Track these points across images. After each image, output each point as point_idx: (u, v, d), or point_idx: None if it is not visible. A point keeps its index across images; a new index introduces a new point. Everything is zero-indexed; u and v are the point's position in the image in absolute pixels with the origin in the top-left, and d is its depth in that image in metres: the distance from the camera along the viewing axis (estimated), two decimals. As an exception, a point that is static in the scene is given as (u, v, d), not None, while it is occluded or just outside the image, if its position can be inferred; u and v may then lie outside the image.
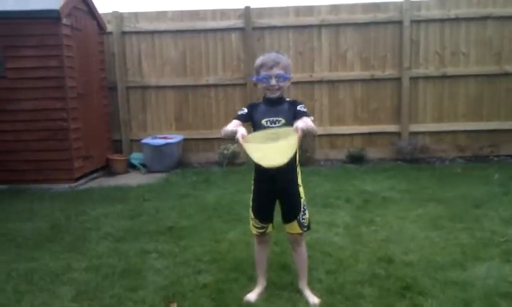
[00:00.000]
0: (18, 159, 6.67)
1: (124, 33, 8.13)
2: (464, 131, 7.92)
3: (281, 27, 7.95)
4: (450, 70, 7.82)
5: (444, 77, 7.84)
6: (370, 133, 8.04)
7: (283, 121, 2.91)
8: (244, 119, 3.00)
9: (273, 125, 2.91)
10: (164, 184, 6.70)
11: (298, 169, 3.05)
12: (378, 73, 7.93)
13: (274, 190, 3.00)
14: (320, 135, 8.06)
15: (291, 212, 3.01)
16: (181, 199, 5.76)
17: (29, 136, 6.64)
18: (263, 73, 2.97)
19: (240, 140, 2.67)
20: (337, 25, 7.92)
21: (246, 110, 3.05)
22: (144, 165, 7.79)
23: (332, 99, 8.05)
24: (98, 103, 7.65)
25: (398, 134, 7.97)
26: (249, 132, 2.81)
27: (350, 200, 5.39)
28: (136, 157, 7.96)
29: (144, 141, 7.72)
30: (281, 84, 2.96)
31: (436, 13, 7.73)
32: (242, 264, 3.58)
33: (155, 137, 7.87)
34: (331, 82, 8.00)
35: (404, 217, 4.72)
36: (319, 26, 7.94)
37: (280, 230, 3.37)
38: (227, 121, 8.78)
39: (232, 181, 6.55)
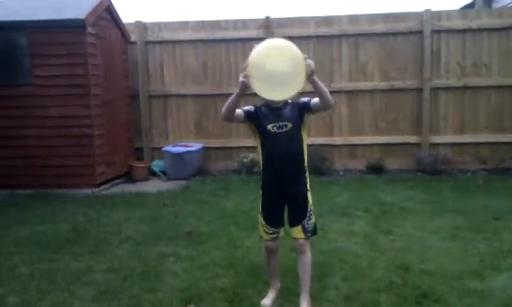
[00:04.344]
0: (43, 164, 6.83)
1: (147, 43, 8.29)
2: (486, 143, 7.82)
3: (301, 38, 7.98)
4: (472, 81, 7.76)
5: (465, 88, 7.78)
6: (389, 144, 8.00)
7: (290, 125, 2.89)
8: (247, 114, 2.99)
9: (280, 130, 2.88)
10: (183, 191, 6.78)
11: (306, 174, 3.00)
12: (398, 84, 7.90)
13: (282, 194, 2.96)
14: (340, 145, 8.06)
15: (296, 216, 2.96)
16: (200, 205, 5.83)
17: (53, 142, 6.80)
18: None
19: (242, 78, 2.76)
20: (357, 36, 7.95)
21: (253, 109, 3.00)
22: (164, 173, 7.89)
23: (351, 109, 8.05)
24: (121, 110, 7.81)
25: (418, 145, 7.91)
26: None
27: (368, 210, 5.38)
28: (157, 164, 8.08)
29: (165, 148, 7.83)
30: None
31: (457, 24, 7.70)
32: (259, 269, 3.61)
33: (176, 145, 7.97)
34: (350, 93, 8.00)
35: (423, 227, 4.69)
36: (339, 36, 7.98)
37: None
38: (246, 131, 8.73)
39: (251, 189, 6.57)
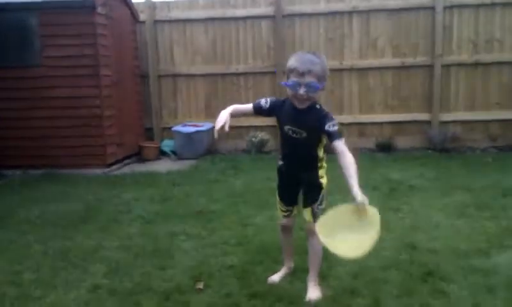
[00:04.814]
0: (54, 145, 6.91)
1: (156, 22, 8.28)
2: (497, 120, 7.74)
3: (311, 14, 7.93)
4: (484, 58, 7.64)
5: (477, 64, 7.68)
6: (400, 122, 7.96)
7: (304, 134, 2.77)
8: (260, 111, 2.95)
9: (294, 135, 2.79)
10: (193, 170, 6.85)
11: (322, 164, 2.94)
12: (409, 60, 7.82)
13: (296, 181, 2.99)
14: (349, 124, 8.02)
15: (308, 199, 2.95)
16: (210, 184, 5.89)
17: (64, 122, 6.87)
18: (293, 78, 2.66)
19: (216, 134, 2.84)
20: (368, 12, 7.85)
21: (268, 106, 2.90)
22: (174, 153, 7.96)
23: (362, 87, 8.00)
24: (131, 91, 7.85)
25: (428, 123, 7.86)
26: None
27: (377, 188, 5.38)
28: (167, 144, 8.14)
29: (175, 128, 7.88)
30: (312, 94, 2.67)
31: (470, -1, 7.56)
32: (268, 247, 3.66)
33: (186, 125, 8.02)
34: (361, 70, 7.95)
35: (431, 205, 4.70)
36: (350, 13, 7.89)
37: (300, 215, 3.42)
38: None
39: (260, 168, 6.62)
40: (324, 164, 2.97)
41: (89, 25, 6.70)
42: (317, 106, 2.76)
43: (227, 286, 3.10)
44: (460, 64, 7.73)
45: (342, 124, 7.99)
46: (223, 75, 8.27)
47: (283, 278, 3.18)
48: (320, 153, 2.92)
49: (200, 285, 3.11)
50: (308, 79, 2.61)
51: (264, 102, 2.93)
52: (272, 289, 3.04)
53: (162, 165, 7.29)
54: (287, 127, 2.82)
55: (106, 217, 4.70)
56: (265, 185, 5.54)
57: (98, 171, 6.80)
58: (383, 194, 5.16)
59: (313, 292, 2.94)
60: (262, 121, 7.97)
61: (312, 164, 2.91)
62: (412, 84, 7.91)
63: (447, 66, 7.74)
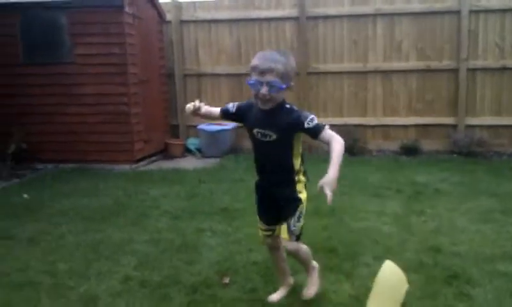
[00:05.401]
0: (84, 140, 7.11)
1: (182, 22, 8.42)
2: (524, 125, 7.67)
3: (335, 17, 7.96)
4: (510, 62, 7.56)
5: (504, 69, 7.60)
6: (424, 125, 7.93)
7: (274, 136, 2.57)
8: (228, 115, 2.85)
9: (264, 138, 2.61)
10: (218, 168, 6.97)
11: (299, 177, 2.70)
12: (434, 64, 7.79)
13: (271, 195, 2.77)
14: (374, 126, 8.04)
15: (283, 213, 2.69)
16: (234, 183, 5.98)
17: (93, 119, 7.05)
18: (254, 77, 2.51)
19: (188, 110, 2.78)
20: (392, 15, 7.84)
21: (234, 109, 2.80)
22: (199, 150, 8.09)
23: (386, 90, 8.00)
24: (157, 89, 8.01)
25: (454, 127, 7.82)
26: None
27: (401, 191, 5.40)
28: (192, 142, 8.28)
29: (200, 127, 8.00)
30: (274, 94, 2.50)
31: (496, 3, 7.48)
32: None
33: (211, 124, 8.12)
34: (385, 73, 7.95)
35: (456, 209, 4.70)
36: (374, 15, 7.89)
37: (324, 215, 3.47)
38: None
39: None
40: (302, 178, 2.72)
41: (117, 24, 6.86)
42: (287, 106, 2.60)
43: (252, 281, 3.19)
44: (486, 69, 7.67)
45: (365, 126, 8.04)
46: (247, 75, 8.30)
47: (282, 297, 2.99)
48: (297, 164, 2.69)
49: (226, 280, 3.21)
50: (270, 78, 2.46)
51: (232, 105, 2.83)
52: (296, 286, 3.10)
53: (188, 163, 7.43)
54: (255, 130, 2.64)
55: (135, 211, 4.84)
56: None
57: (127, 166, 6.95)
58: (407, 196, 5.19)
59: (311, 288, 2.93)
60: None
61: (288, 176, 2.68)
62: (437, 88, 7.87)
63: (472, 70, 7.69)
